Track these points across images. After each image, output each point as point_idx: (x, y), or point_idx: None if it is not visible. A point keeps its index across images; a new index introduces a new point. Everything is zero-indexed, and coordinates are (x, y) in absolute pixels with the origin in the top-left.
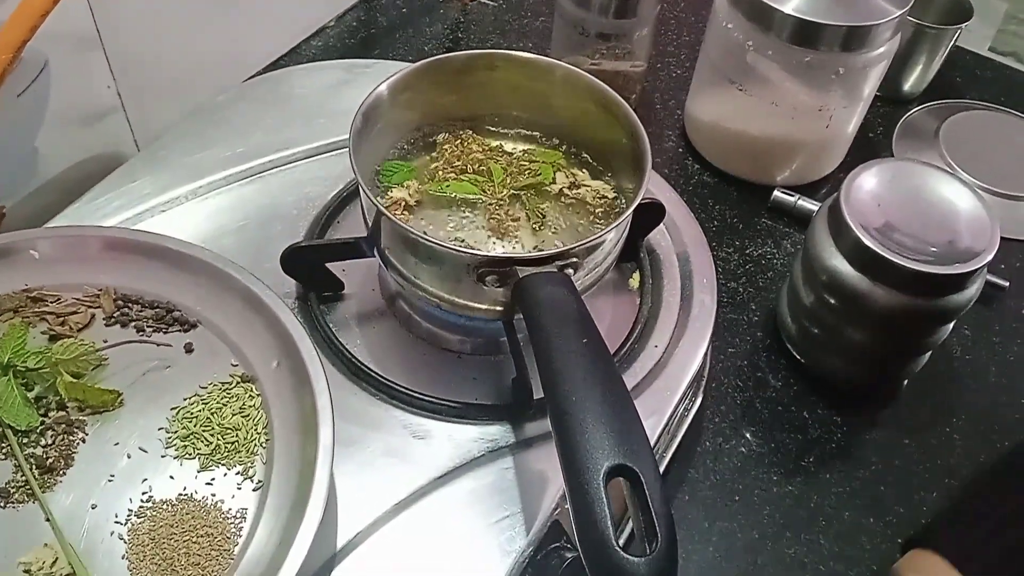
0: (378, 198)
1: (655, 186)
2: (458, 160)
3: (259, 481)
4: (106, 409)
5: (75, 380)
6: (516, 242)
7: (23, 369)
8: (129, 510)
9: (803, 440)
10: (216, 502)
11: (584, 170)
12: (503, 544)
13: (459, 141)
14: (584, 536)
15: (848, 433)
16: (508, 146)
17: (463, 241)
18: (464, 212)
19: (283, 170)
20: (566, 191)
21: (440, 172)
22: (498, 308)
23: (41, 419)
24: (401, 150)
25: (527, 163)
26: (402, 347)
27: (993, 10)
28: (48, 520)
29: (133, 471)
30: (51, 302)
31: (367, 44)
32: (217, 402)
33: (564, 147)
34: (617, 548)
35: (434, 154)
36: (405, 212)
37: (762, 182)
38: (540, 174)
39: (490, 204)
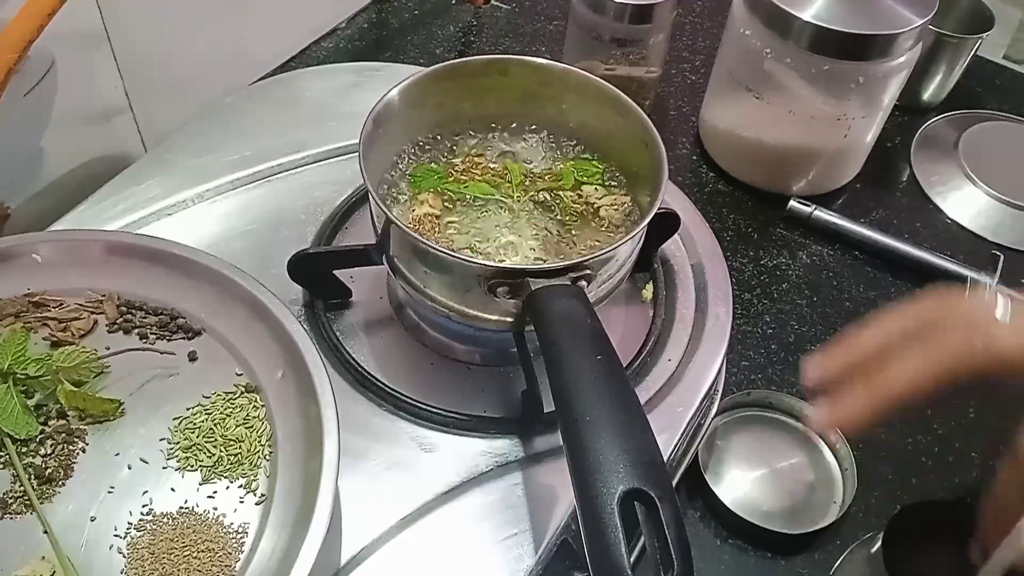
0: (406, 210)
1: (669, 195)
2: (475, 167)
3: (262, 495)
4: (107, 418)
5: (76, 389)
6: (530, 251)
7: (23, 376)
8: (129, 523)
9: None
10: (218, 516)
11: (599, 178)
12: (511, 563)
13: (469, 154)
14: (597, 563)
15: (864, 450)
16: (520, 151)
17: (477, 249)
18: (481, 219)
19: (292, 174)
20: (580, 199)
21: (459, 175)
22: (509, 320)
23: (41, 428)
24: (412, 155)
25: (547, 168)
26: (410, 357)
27: (1008, 18)
28: (46, 532)
29: (134, 483)
30: (53, 307)
31: (378, 46)
32: (220, 412)
33: (583, 154)
34: None
35: (451, 159)
36: (429, 220)
37: (778, 191)
38: (561, 178)
39: (507, 211)
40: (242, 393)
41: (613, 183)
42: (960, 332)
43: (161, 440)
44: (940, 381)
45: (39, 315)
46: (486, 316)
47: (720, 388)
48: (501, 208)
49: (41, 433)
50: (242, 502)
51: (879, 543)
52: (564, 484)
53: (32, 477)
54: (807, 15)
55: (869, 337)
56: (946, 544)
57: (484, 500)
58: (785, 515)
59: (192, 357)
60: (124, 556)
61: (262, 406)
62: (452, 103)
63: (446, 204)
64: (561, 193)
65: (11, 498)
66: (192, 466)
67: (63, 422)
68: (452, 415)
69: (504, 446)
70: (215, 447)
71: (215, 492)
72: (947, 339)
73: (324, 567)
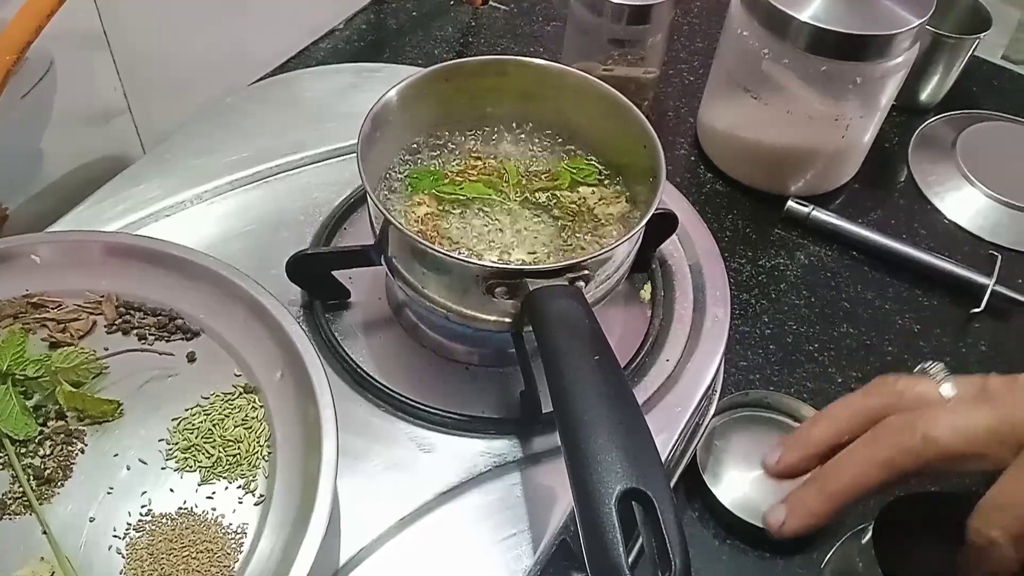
0: (405, 211)
1: (667, 195)
2: (473, 168)
3: (261, 495)
4: (106, 419)
5: (75, 390)
6: (527, 251)
7: (22, 377)
8: (128, 524)
9: None
10: (217, 517)
11: (597, 178)
12: (510, 563)
13: (467, 155)
14: (595, 562)
15: None
16: (518, 152)
17: (475, 249)
18: (478, 220)
19: (290, 175)
20: (578, 199)
21: (457, 176)
22: (507, 320)
23: (40, 429)
24: (410, 156)
25: (543, 168)
26: (408, 357)
27: (1006, 18)
28: (45, 533)
29: (132, 483)
30: (52, 308)
31: (377, 47)
32: (219, 413)
33: (581, 155)
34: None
35: (448, 160)
36: (431, 220)
37: (776, 192)
38: (558, 179)
39: (504, 212)
40: (241, 394)
41: (611, 184)
42: (905, 423)
43: (160, 441)
44: (886, 476)
45: (38, 316)
46: (484, 317)
47: (718, 388)
48: (499, 209)
49: (40, 434)
50: (241, 503)
51: (870, 534)
52: (562, 484)
53: (31, 478)
54: (805, 16)
55: (822, 430)
56: (937, 535)
57: (483, 500)
58: None
59: (191, 358)
60: (123, 557)
61: (261, 407)
62: (450, 104)
63: (444, 205)
64: (559, 194)
65: (10, 499)
66: (191, 467)
67: (62, 423)
68: (451, 416)
69: (503, 446)
70: (214, 448)
71: (214, 493)
72: (892, 431)
73: (323, 567)
